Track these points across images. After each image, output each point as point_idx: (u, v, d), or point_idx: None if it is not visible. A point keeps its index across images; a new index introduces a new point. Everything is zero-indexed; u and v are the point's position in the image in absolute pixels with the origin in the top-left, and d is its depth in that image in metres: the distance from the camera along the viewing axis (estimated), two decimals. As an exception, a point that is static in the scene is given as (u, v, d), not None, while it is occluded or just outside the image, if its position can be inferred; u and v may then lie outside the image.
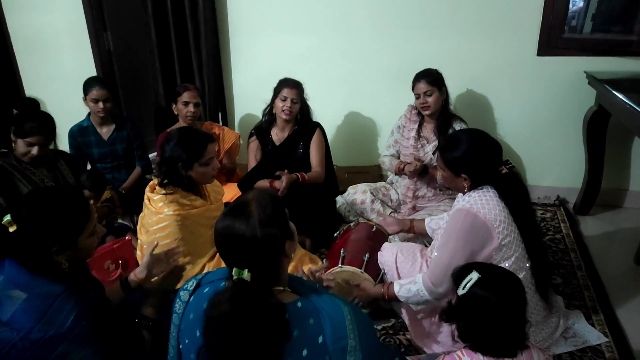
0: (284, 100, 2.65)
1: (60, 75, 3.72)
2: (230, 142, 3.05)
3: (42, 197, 1.38)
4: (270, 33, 3.24)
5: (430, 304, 1.78)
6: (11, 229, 1.27)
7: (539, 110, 2.96)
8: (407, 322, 1.93)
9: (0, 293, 1.30)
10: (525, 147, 3.04)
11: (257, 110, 2.93)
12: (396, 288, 1.79)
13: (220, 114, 3.50)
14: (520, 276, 1.60)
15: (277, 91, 2.70)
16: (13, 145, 2.19)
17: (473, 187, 1.71)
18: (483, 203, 1.64)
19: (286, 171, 2.57)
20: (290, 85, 2.65)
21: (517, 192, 1.69)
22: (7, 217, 1.28)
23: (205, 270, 1.98)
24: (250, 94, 3.43)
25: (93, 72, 3.54)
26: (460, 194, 1.78)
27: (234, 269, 1.04)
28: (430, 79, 2.51)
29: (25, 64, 3.82)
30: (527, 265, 1.70)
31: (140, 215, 2.09)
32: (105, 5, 3.49)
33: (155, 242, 1.79)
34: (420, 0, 2.91)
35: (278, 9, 3.17)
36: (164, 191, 1.96)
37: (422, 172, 2.55)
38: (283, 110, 2.65)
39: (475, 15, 2.86)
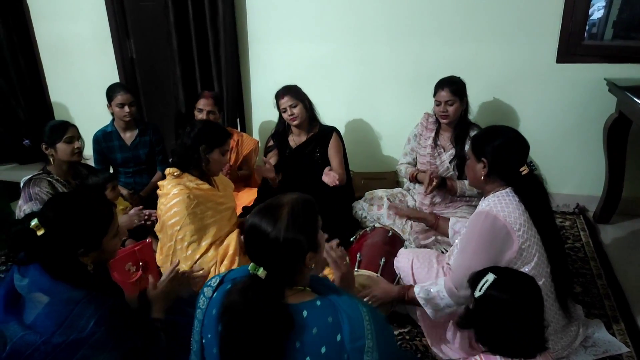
0: (285, 111, 2.70)
1: (85, 82, 3.82)
2: (248, 148, 3.10)
3: (67, 200, 1.43)
4: (288, 41, 3.28)
5: (448, 312, 1.77)
6: (39, 233, 1.31)
7: (558, 117, 2.94)
8: (423, 328, 1.93)
9: (25, 296, 1.35)
10: (545, 154, 3.01)
11: (274, 116, 2.97)
12: (416, 290, 1.78)
13: (238, 120, 3.55)
14: (540, 283, 1.59)
15: (277, 106, 2.75)
16: (51, 158, 2.30)
17: (492, 177, 1.69)
18: (502, 206, 1.64)
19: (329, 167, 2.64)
20: (281, 95, 2.70)
21: (537, 194, 1.68)
22: (35, 221, 1.32)
23: (210, 252, 2.05)
24: (268, 100, 3.44)
25: (116, 79, 3.64)
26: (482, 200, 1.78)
27: (251, 264, 1.09)
28: (454, 88, 2.49)
29: (50, 70, 3.93)
30: (547, 270, 1.69)
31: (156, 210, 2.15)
32: (128, 14, 3.58)
33: (177, 261, 1.86)
34: (437, 7, 2.93)
35: (296, 17, 3.21)
36: (173, 174, 2.05)
37: (440, 186, 2.53)
38: (289, 119, 2.70)
39: (493, 22, 2.86)
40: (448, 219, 2.20)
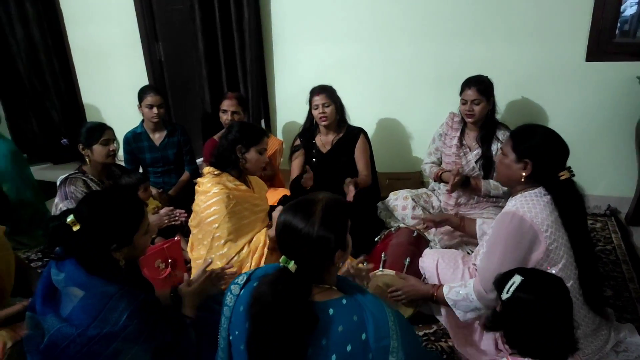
0: (316, 108, 2.73)
1: (115, 84, 3.94)
2: (273, 148, 3.12)
3: (101, 197, 1.48)
4: (312, 42, 3.31)
5: (477, 315, 1.75)
6: (75, 228, 1.36)
7: (588, 117, 2.87)
8: (449, 329, 1.92)
9: (62, 290, 1.40)
10: (575, 155, 2.88)
11: (299, 117, 3.00)
12: (445, 290, 1.77)
13: (263, 121, 3.59)
14: (568, 285, 1.56)
15: (310, 102, 2.77)
16: (87, 158, 2.37)
17: (529, 179, 1.66)
18: (530, 206, 1.61)
19: (349, 179, 2.65)
20: (317, 92, 2.73)
21: (573, 199, 1.64)
22: (71, 217, 1.37)
23: (245, 250, 2.08)
24: (292, 101, 3.51)
25: (145, 81, 3.73)
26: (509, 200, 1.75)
27: (283, 257, 1.12)
28: (481, 87, 2.46)
29: (82, 73, 4.06)
30: (576, 273, 1.66)
31: (193, 205, 2.20)
32: (157, 18, 3.67)
33: (209, 259, 1.90)
34: (463, 6, 2.91)
35: (320, 18, 3.23)
36: (213, 173, 2.09)
37: (464, 184, 2.51)
38: (320, 117, 2.72)
39: (521, 20, 2.82)
40: (474, 220, 2.18)
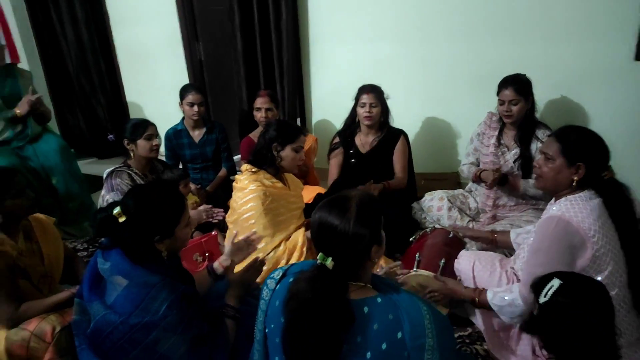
0: (363, 106, 2.72)
1: (157, 83, 4.06)
2: (307, 145, 3.15)
3: (145, 191, 1.55)
4: (349, 41, 3.31)
5: (523, 319, 1.70)
6: (121, 220, 1.42)
7: (635, 118, 2.75)
8: (484, 332, 1.89)
9: (107, 278, 1.47)
10: (620, 158, 2.78)
11: (334, 116, 3.01)
12: (489, 295, 1.73)
13: (298, 119, 3.62)
14: (613, 293, 1.51)
15: (357, 99, 2.77)
16: (131, 153, 2.48)
17: (581, 183, 1.61)
18: (576, 211, 1.56)
19: (372, 181, 2.64)
20: (367, 91, 2.72)
21: (624, 200, 1.59)
22: (117, 209, 1.43)
23: (281, 247, 2.12)
24: (328, 99, 3.53)
25: (186, 80, 3.83)
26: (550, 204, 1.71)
27: (320, 254, 1.13)
28: (518, 87, 2.42)
29: (127, 72, 4.21)
30: (622, 280, 1.60)
31: (230, 200, 2.25)
32: (198, 18, 3.77)
33: (235, 232, 1.95)
34: (503, 4, 2.84)
35: (357, 17, 3.23)
36: (250, 170, 2.13)
37: (502, 182, 2.47)
38: (365, 116, 2.72)
39: (563, 17, 2.73)
40: (507, 233, 2.12)
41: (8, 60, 2.90)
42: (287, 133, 2.15)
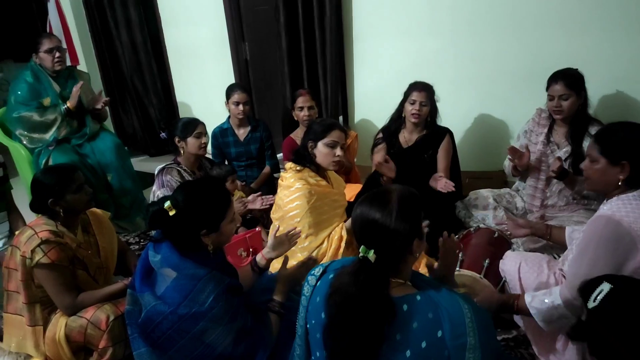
0: (413, 103, 2.68)
1: (205, 83, 4.18)
2: (348, 141, 3.15)
3: (194, 186, 1.63)
4: (393, 38, 3.28)
5: (563, 324, 1.64)
6: (171, 213, 1.49)
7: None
8: (530, 335, 1.84)
9: (157, 270, 1.54)
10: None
11: (377, 113, 2.99)
12: (527, 299, 1.66)
13: (341, 117, 3.63)
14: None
15: (406, 95, 2.73)
16: (181, 150, 2.58)
17: (629, 181, 1.54)
18: (627, 211, 1.49)
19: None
20: (418, 89, 2.67)
21: None
22: (168, 203, 1.51)
23: (324, 244, 2.14)
24: (371, 97, 3.51)
25: (232, 80, 3.93)
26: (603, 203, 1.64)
27: (362, 247, 1.14)
28: (569, 81, 2.31)
29: (176, 72, 4.36)
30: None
31: (275, 197, 2.31)
32: (244, 18, 3.85)
33: (277, 225, 2.00)
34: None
35: (402, 13, 3.19)
36: (295, 169, 2.18)
37: (561, 175, 2.32)
38: (412, 114, 2.68)
39: (620, 9, 2.58)
40: (562, 229, 2.02)
41: (69, 62, 3.08)
42: (318, 129, 2.18)
